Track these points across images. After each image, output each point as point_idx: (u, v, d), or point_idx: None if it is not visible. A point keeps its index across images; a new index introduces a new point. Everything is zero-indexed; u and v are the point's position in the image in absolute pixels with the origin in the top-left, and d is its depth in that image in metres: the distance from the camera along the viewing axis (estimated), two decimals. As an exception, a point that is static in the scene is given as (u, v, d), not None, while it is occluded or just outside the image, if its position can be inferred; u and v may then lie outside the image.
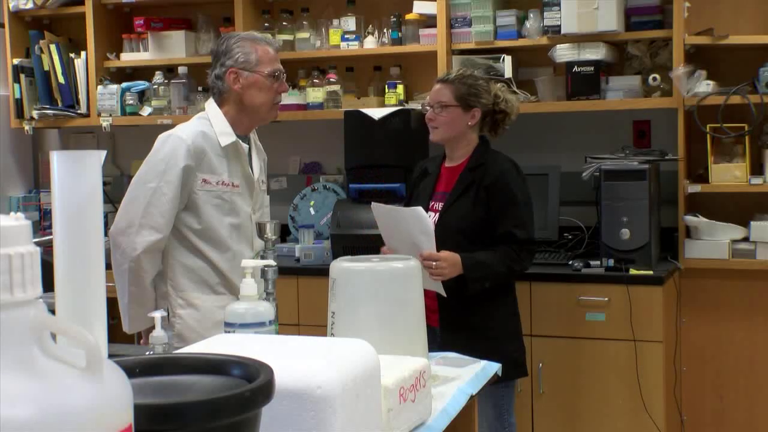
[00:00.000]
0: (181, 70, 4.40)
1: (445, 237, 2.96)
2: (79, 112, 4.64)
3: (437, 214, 3.05)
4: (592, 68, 3.86)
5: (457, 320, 2.97)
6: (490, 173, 3.01)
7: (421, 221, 2.80)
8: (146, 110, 4.55)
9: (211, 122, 2.77)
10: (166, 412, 0.99)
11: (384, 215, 2.92)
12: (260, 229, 2.44)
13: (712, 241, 3.78)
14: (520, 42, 4.02)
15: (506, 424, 3.13)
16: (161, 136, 2.77)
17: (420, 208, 2.82)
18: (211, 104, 2.83)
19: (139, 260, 2.69)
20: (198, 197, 2.73)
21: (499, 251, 2.95)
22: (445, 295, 2.88)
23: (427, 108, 3.12)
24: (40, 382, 0.72)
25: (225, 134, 2.76)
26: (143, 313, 2.63)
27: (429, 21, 4.17)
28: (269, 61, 2.78)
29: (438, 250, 2.88)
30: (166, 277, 2.78)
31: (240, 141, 2.80)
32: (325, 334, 1.92)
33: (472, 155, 3.08)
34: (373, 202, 2.96)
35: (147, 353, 1.97)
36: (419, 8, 4.19)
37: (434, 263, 2.80)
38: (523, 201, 3.00)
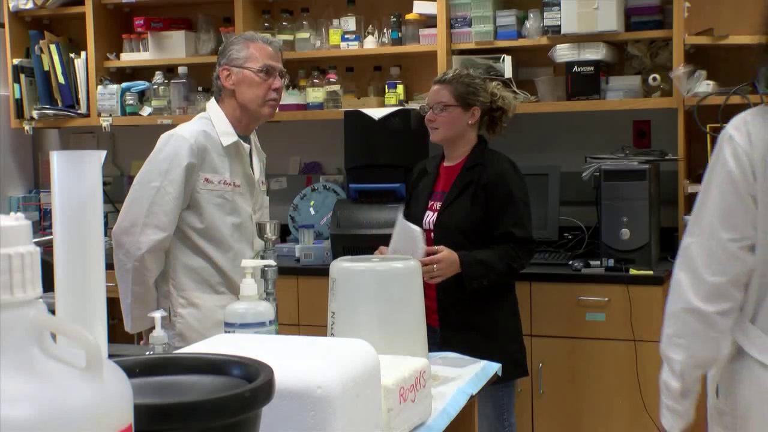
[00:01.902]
0: (181, 70, 4.40)
1: (443, 236, 2.97)
2: (79, 112, 4.64)
3: (435, 214, 3.05)
4: (592, 68, 3.86)
5: (457, 320, 2.98)
6: (488, 173, 3.01)
7: (415, 242, 2.82)
8: (146, 110, 4.55)
9: (212, 122, 2.78)
10: (166, 412, 0.99)
11: (399, 224, 2.94)
12: (260, 229, 2.44)
13: (712, 241, 3.77)
14: (520, 42, 4.02)
15: (506, 424, 3.13)
16: (163, 136, 2.77)
17: (419, 230, 2.82)
18: (212, 104, 2.84)
19: (144, 259, 2.69)
20: (200, 196, 2.74)
21: (498, 249, 2.95)
22: None
23: (426, 109, 3.12)
24: (40, 382, 0.72)
25: (227, 134, 2.77)
26: (146, 313, 2.63)
27: (429, 21, 4.17)
28: (261, 57, 2.79)
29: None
30: (168, 276, 2.78)
31: (241, 141, 2.80)
32: (325, 334, 1.92)
33: (470, 155, 3.08)
34: (399, 214, 2.96)
35: (147, 353, 1.97)
36: (419, 8, 4.19)
37: (435, 266, 2.82)
38: (521, 200, 3.01)
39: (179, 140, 2.72)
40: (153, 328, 1.96)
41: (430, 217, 3.06)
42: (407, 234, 2.88)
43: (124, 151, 5.00)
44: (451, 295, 2.94)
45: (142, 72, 4.71)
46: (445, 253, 2.86)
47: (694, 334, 1.86)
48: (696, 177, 3.90)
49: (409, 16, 4.21)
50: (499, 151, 3.15)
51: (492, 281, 2.97)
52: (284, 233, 4.41)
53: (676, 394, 1.91)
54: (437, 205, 3.08)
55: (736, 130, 1.83)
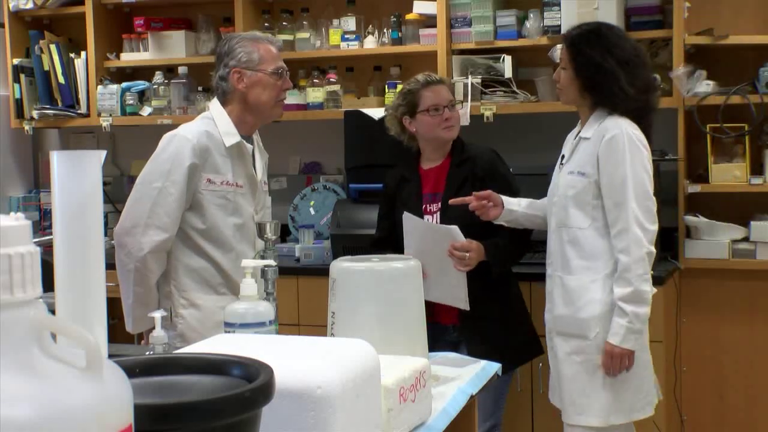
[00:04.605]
0: (181, 70, 4.40)
1: None
2: (79, 112, 4.64)
3: (436, 215, 3.07)
4: (592, 68, 3.85)
5: (474, 312, 2.98)
6: (480, 165, 3.09)
7: (456, 239, 2.92)
8: (146, 110, 4.55)
9: (215, 122, 2.77)
10: (166, 412, 0.99)
11: (413, 227, 2.97)
12: (260, 229, 2.44)
13: (712, 241, 3.78)
14: (520, 42, 4.02)
15: (498, 412, 3.17)
16: (166, 136, 2.77)
17: (456, 228, 2.92)
18: (215, 104, 2.82)
19: (146, 260, 2.69)
20: (203, 197, 2.73)
21: (505, 234, 3.04)
22: (468, 309, 2.92)
23: (436, 110, 3.10)
24: (40, 382, 0.72)
25: (229, 134, 2.76)
26: (147, 314, 2.63)
27: (429, 21, 4.17)
28: (272, 59, 2.79)
29: None
30: (169, 277, 2.78)
31: (244, 141, 2.80)
32: (325, 334, 1.93)
33: (452, 152, 3.14)
34: (405, 213, 3.02)
35: (147, 353, 1.97)
36: (419, 8, 4.19)
37: (467, 255, 2.90)
38: (516, 185, 3.13)
39: (181, 140, 2.71)
40: (154, 328, 1.96)
41: (431, 220, 3.08)
42: (441, 234, 2.92)
43: (124, 151, 5.00)
44: (468, 290, 2.96)
45: (142, 72, 4.71)
46: (475, 243, 2.94)
47: (649, 270, 2.72)
48: (696, 177, 3.91)
49: (409, 16, 4.21)
50: (477, 143, 3.24)
51: (511, 264, 3.12)
52: (284, 233, 4.41)
53: (646, 317, 2.72)
54: (433, 207, 3.10)
55: (636, 131, 2.76)
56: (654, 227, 2.73)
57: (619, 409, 2.80)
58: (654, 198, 2.75)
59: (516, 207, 3.01)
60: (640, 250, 2.68)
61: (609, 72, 2.78)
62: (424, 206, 3.12)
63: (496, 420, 3.16)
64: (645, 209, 2.71)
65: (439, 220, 3.06)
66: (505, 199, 2.98)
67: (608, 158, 2.75)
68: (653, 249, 2.72)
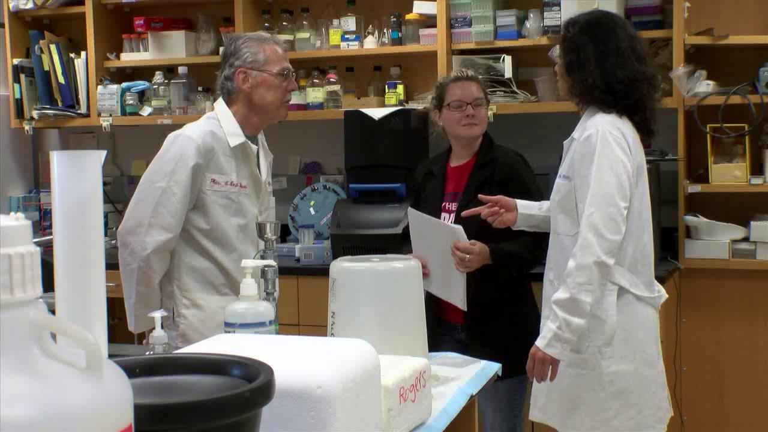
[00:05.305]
0: (181, 70, 4.40)
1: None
2: (79, 112, 4.64)
3: (452, 215, 3.06)
4: (592, 68, 3.85)
5: (482, 315, 2.97)
6: (500, 169, 3.05)
7: (459, 239, 2.86)
8: (146, 110, 4.55)
9: (220, 122, 2.77)
10: (166, 412, 0.99)
11: (418, 222, 2.96)
12: (260, 229, 2.44)
13: (712, 241, 3.78)
14: (520, 42, 4.02)
15: (518, 417, 3.14)
16: (170, 136, 2.76)
17: (460, 228, 2.86)
18: (220, 105, 2.82)
19: (149, 260, 2.69)
20: (207, 197, 2.73)
21: (522, 240, 2.98)
22: (465, 309, 2.89)
23: (459, 105, 3.08)
24: (40, 382, 0.72)
25: (234, 135, 2.76)
26: (149, 313, 2.63)
27: (429, 21, 4.17)
28: (277, 60, 2.79)
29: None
30: (172, 276, 2.78)
31: (249, 142, 2.79)
32: (325, 334, 1.93)
33: (479, 152, 3.10)
34: (409, 208, 3.01)
35: (147, 353, 1.97)
36: (419, 8, 4.19)
37: (467, 257, 2.84)
38: (536, 191, 3.06)
39: (186, 141, 2.71)
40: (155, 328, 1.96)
41: (447, 219, 3.07)
42: (444, 231, 2.90)
43: (124, 151, 5.00)
44: (476, 290, 2.95)
45: (142, 72, 4.71)
46: (479, 246, 2.88)
47: (598, 282, 2.48)
48: (696, 177, 3.91)
49: (409, 16, 4.21)
50: (504, 145, 3.18)
51: (519, 271, 3.04)
52: (284, 233, 4.41)
53: (579, 328, 2.49)
54: (452, 206, 3.08)
55: (615, 130, 2.54)
56: (615, 237, 2.47)
57: (622, 426, 2.62)
58: (620, 205, 2.49)
59: (536, 211, 2.87)
60: (588, 258, 2.45)
61: (580, 59, 2.67)
62: (443, 204, 3.11)
63: (517, 420, 3.14)
64: (606, 216, 2.47)
65: (453, 220, 3.04)
66: (520, 202, 2.87)
67: (581, 160, 2.58)
68: (607, 260, 2.47)
